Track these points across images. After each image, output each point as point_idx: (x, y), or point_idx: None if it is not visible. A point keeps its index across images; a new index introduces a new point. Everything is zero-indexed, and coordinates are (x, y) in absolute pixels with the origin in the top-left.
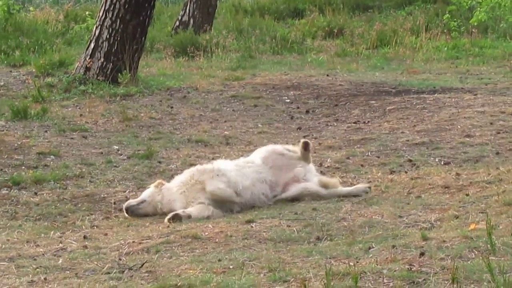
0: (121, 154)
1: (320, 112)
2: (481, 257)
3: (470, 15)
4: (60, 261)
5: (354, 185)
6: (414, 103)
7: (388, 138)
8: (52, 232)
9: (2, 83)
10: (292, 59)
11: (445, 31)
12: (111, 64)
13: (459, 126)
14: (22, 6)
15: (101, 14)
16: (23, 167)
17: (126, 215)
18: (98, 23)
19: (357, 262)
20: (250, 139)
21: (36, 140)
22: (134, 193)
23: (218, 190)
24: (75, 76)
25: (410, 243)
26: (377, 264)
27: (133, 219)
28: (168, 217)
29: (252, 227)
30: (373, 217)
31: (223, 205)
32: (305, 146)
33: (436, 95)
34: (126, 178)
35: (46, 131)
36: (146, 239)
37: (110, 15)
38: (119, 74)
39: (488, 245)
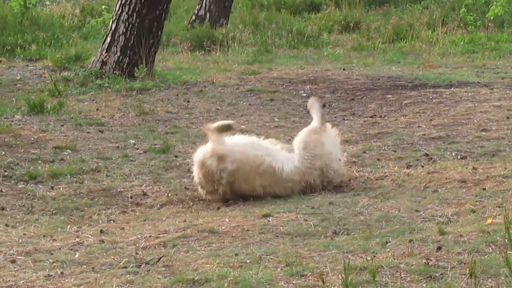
0: (137, 148)
1: (336, 106)
2: (498, 252)
3: (486, 9)
4: (76, 256)
5: (371, 179)
6: (431, 97)
7: (405, 132)
8: (68, 227)
9: (18, 77)
10: (308, 53)
11: (461, 25)
12: (127, 58)
13: (475, 120)
14: (39, 0)
15: (117, 8)
16: (40, 161)
17: None
18: (114, 17)
19: (374, 256)
20: (266, 133)
21: (53, 134)
22: (150, 187)
23: None
24: (91, 70)
25: (427, 237)
26: (394, 259)
27: (150, 213)
28: None
29: (268, 221)
30: (390, 211)
31: None
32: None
33: (452, 89)
34: (142, 172)
35: (62, 125)
36: (163, 233)
37: (127, 9)
38: (136, 68)
39: (506, 239)
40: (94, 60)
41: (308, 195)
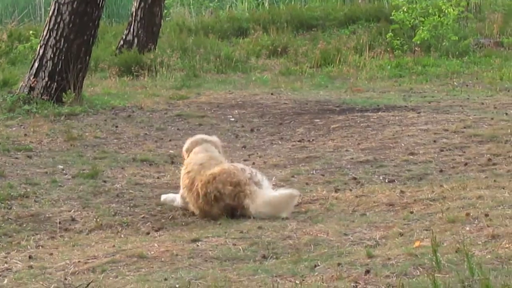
0: (66, 174)
1: (264, 130)
2: (426, 274)
3: (413, 33)
4: (5, 282)
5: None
6: (358, 121)
7: (333, 156)
8: None
9: None
10: (236, 78)
11: (388, 49)
12: (55, 83)
13: (402, 144)
14: None
15: (45, 33)
16: None
17: None
18: (42, 42)
19: (303, 280)
20: None
21: None
22: (79, 212)
23: None
24: (19, 95)
25: (355, 260)
26: (322, 282)
27: (79, 239)
28: None
29: (198, 245)
30: (319, 235)
31: None
32: None
33: (379, 113)
34: (71, 198)
35: None
36: (92, 258)
37: (54, 35)
38: (64, 93)
39: (433, 262)
40: (22, 85)
41: (237, 220)
